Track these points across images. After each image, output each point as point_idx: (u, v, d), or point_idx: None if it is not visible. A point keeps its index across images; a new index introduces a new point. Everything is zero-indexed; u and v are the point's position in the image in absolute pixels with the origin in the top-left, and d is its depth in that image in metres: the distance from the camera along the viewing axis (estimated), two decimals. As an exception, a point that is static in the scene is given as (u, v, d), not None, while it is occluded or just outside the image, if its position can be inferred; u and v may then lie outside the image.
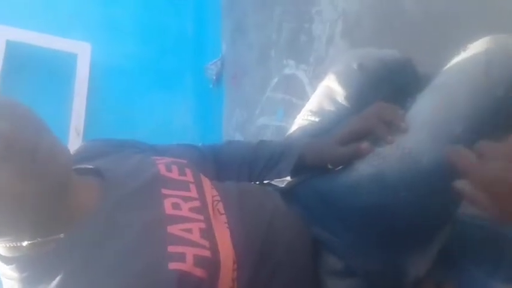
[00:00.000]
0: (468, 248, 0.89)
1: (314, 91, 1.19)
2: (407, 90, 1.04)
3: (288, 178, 0.96)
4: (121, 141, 0.96)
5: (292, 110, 1.98)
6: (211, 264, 0.70)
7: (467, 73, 0.82)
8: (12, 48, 2.38)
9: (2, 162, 0.60)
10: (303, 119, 1.14)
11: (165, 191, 0.77)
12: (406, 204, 0.77)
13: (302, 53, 2.00)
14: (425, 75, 1.02)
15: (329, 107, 1.10)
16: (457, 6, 1.27)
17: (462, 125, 0.76)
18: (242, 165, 0.98)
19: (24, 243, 0.68)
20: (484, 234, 0.93)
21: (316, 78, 1.85)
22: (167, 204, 0.74)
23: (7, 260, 0.70)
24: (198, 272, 0.67)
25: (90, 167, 0.81)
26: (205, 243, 0.71)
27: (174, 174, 0.81)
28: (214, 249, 0.71)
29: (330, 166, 0.90)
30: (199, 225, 0.73)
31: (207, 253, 0.70)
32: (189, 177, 0.82)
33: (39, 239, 0.68)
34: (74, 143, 2.24)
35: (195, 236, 0.71)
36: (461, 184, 0.60)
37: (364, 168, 0.82)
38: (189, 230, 0.72)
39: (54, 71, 2.54)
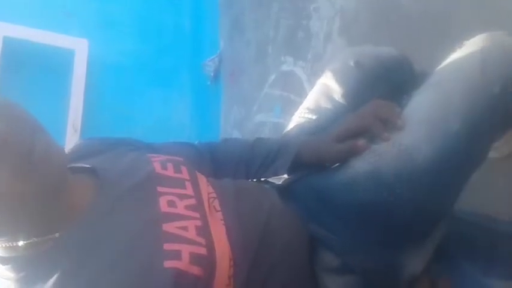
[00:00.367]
0: (463, 245, 0.90)
1: (312, 88, 1.19)
2: (404, 88, 1.05)
3: (285, 176, 0.96)
4: (116, 139, 0.96)
5: (290, 106, 1.98)
6: (208, 262, 0.70)
7: (463, 70, 0.82)
8: (10, 44, 2.37)
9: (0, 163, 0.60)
10: (300, 116, 1.14)
11: (160, 189, 0.76)
12: (402, 202, 0.77)
13: (300, 50, 2.00)
14: (422, 73, 1.02)
15: (326, 104, 1.10)
16: (453, 4, 1.28)
17: (458, 122, 0.76)
18: (239, 163, 0.98)
19: (20, 243, 0.68)
20: (478, 231, 0.94)
21: (314, 74, 1.85)
22: (163, 202, 0.74)
23: (3, 260, 0.70)
24: (194, 270, 0.67)
25: (85, 165, 0.80)
26: (202, 240, 0.71)
27: (170, 172, 0.81)
28: (210, 246, 0.71)
29: (326, 164, 0.90)
30: (195, 222, 0.73)
31: (203, 251, 0.70)
32: (185, 174, 0.82)
33: (34, 239, 0.67)
34: (71, 140, 2.24)
35: (191, 234, 0.71)
36: None
37: (360, 166, 0.82)
38: (185, 228, 0.71)
39: (51, 67, 2.53)
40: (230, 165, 0.99)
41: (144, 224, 0.71)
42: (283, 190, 0.94)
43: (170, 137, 1.11)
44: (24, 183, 0.62)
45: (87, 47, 2.55)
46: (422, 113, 0.81)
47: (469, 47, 0.85)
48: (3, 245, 0.68)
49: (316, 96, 1.13)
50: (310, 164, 0.91)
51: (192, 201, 0.77)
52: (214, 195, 0.82)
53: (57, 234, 0.68)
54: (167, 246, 0.68)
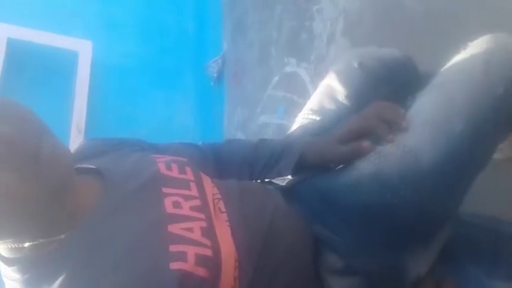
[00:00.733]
0: (467, 246, 0.89)
1: (315, 89, 1.19)
2: (408, 89, 1.04)
3: (289, 177, 0.96)
4: (120, 140, 0.96)
5: (293, 108, 1.98)
6: (213, 263, 0.69)
7: (467, 72, 0.82)
8: (14, 46, 2.38)
9: (4, 165, 0.60)
10: (304, 117, 1.14)
11: (165, 190, 0.76)
12: (406, 203, 0.77)
13: (303, 51, 2.00)
14: (426, 74, 1.02)
15: (330, 105, 1.10)
16: (457, 5, 1.28)
17: (462, 123, 0.76)
18: (243, 164, 0.98)
19: (26, 245, 0.68)
20: (482, 233, 0.94)
21: (318, 76, 1.85)
22: (168, 203, 0.74)
23: (9, 262, 0.70)
24: (200, 272, 0.67)
25: (90, 166, 0.81)
26: (207, 242, 0.71)
27: (174, 173, 0.81)
28: (215, 248, 0.71)
29: (330, 165, 0.90)
30: (200, 224, 0.73)
31: (208, 252, 0.70)
32: (190, 175, 0.82)
33: (40, 240, 0.68)
34: (75, 141, 2.24)
35: (196, 235, 0.71)
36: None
37: (364, 167, 0.82)
38: (190, 229, 0.71)
39: (55, 68, 2.54)
40: (234, 166, 0.99)
41: (150, 225, 0.71)
42: (287, 191, 0.94)
43: (174, 138, 1.11)
44: (30, 185, 0.62)
45: (91, 49, 2.55)
46: (426, 115, 0.81)
47: (472, 49, 0.85)
48: (9, 246, 0.69)
49: (320, 98, 1.13)
50: (314, 165, 0.91)
51: (197, 202, 0.77)
52: (219, 196, 0.82)
53: (62, 236, 0.68)
54: (173, 248, 0.68)
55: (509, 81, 0.78)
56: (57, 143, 0.67)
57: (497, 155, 1.04)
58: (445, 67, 0.88)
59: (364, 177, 0.81)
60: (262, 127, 2.27)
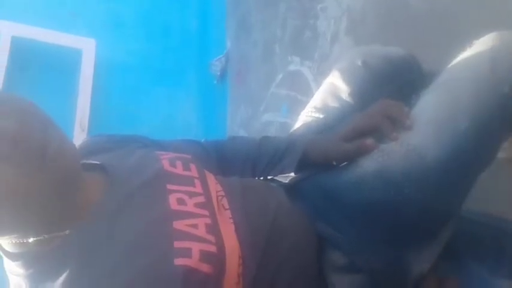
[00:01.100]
0: (471, 244, 0.89)
1: (319, 87, 1.19)
2: (412, 87, 1.04)
3: (292, 174, 0.96)
4: (124, 136, 0.96)
5: (296, 106, 1.98)
6: (217, 260, 0.70)
7: (472, 70, 0.82)
8: (17, 44, 2.39)
9: (10, 161, 0.60)
10: (307, 115, 1.14)
11: (170, 187, 0.76)
12: (410, 201, 0.77)
13: (307, 50, 2.00)
14: (430, 72, 1.02)
15: (333, 103, 1.10)
16: (462, 3, 1.27)
17: (467, 121, 0.76)
18: (246, 161, 0.98)
19: (30, 240, 0.68)
20: (486, 231, 0.93)
21: (321, 74, 1.85)
22: (172, 199, 0.74)
23: (13, 256, 0.70)
24: (204, 268, 0.67)
25: (94, 162, 0.81)
26: (211, 238, 0.71)
27: (179, 170, 0.81)
28: (220, 244, 0.71)
29: (334, 162, 0.90)
30: (204, 220, 0.73)
31: (213, 248, 0.70)
32: (194, 172, 0.82)
33: (45, 236, 0.68)
34: (78, 138, 2.24)
35: (201, 231, 0.71)
36: None
37: (368, 165, 0.82)
38: (195, 226, 0.72)
39: (59, 66, 2.54)
40: (237, 163, 0.99)
41: (154, 222, 0.71)
42: (290, 189, 0.94)
43: (176, 136, 1.11)
44: (35, 180, 0.61)
45: (95, 47, 2.55)
46: (430, 113, 0.81)
47: (478, 46, 0.85)
48: (13, 241, 0.69)
49: (323, 96, 1.13)
50: (317, 163, 0.91)
51: (201, 199, 0.77)
52: (222, 193, 0.82)
53: (67, 232, 0.68)
54: (177, 244, 0.68)
55: None
56: (63, 137, 0.67)
57: (500, 154, 1.04)
58: (450, 65, 0.87)
59: (367, 175, 0.81)
60: (266, 125, 2.28)
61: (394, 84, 1.07)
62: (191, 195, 0.77)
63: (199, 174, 0.82)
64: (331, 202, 0.86)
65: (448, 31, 1.28)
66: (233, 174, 0.96)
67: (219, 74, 2.77)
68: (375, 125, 0.85)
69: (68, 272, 0.64)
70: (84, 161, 0.80)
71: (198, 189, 0.79)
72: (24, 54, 2.44)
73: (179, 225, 0.71)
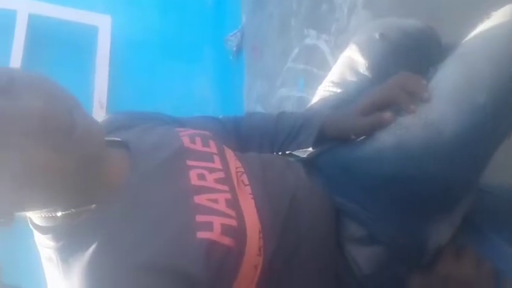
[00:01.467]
0: (489, 216, 0.90)
1: (336, 61, 1.18)
2: (430, 60, 1.03)
3: (310, 149, 0.97)
4: (144, 113, 0.97)
5: (313, 80, 1.97)
6: (238, 233, 0.71)
7: (490, 41, 0.81)
8: (35, 21, 2.40)
9: (39, 140, 0.62)
10: (325, 90, 1.13)
11: (189, 163, 0.78)
12: (428, 174, 0.78)
13: (323, 23, 1.98)
14: (448, 44, 1.01)
15: (351, 77, 1.09)
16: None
17: (485, 94, 0.76)
18: (263, 137, 0.99)
19: (59, 214, 0.70)
20: (504, 203, 0.93)
21: (338, 48, 1.83)
22: (193, 175, 0.76)
23: (43, 230, 0.73)
24: (226, 241, 0.69)
25: (116, 139, 0.82)
26: (231, 212, 0.73)
27: (198, 146, 0.82)
28: (240, 218, 0.73)
29: (352, 137, 0.90)
30: (224, 195, 0.75)
31: (233, 222, 0.72)
32: (213, 148, 0.83)
33: (72, 210, 0.70)
34: (97, 116, 2.25)
35: (221, 206, 0.73)
36: None
37: (386, 139, 0.82)
38: (215, 200, 0.73)
39: (76, 44, 2.56)
40: (255, 139, 1.00)
41: (176, 196, 0.73)
42: (308, 163, 0.95)
43: (193, 112, 1.13)
44: (65, 158, 0.64)
45: (111, 23, 2.56)
46: (448, 86, 0.80)
47: (496, 18, 0.83)
48: (43, 215, 0.71)
49: (341, 70, 1.13)
50: (335, 137, 0.91)
51: (221, 174, 0.78)
52: (242, 169, 0.84)
53: (93, 206, 0.71)
54: (199, 218, 0.70)
55: None
56: (88, 116, 0.69)
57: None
58: (468, 37, 0.86)
59: (385, 149, 0.81)
60: (282, 100, 2.27)
61: (411, 57, 1.06)
62: (211, 170, 0.78)
63: (218, 150, 0.83)
64: (349, 176, 0.87)
65: (467, 2, 1.26)
66: (251, 150, 0.97)
67: (234, 49, 2.76)
68: (392, 98, 0.85)
69: (96, 244, 0.67)
70: (106, 138, 0.82)
71: (217, 165, 0.80)
72: (41, 32, 2.46)
73: (200, 199, 0.72)
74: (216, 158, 0.81)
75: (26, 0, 2.40)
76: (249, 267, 0.72)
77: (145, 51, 2.74)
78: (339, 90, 1.10)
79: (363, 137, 0.88)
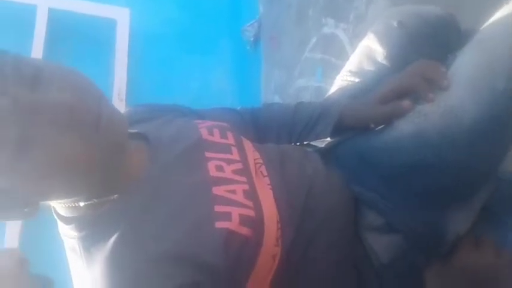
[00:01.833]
0: (508, 204, 0.89)
1: (354, 50, 1.17)
2: (449, 47, 1.02)
3: (328, 139, 0.97)
4: (163, 106, 0.98)
5: (331, 70, 1.96)
6: (256, 224, 0.72)
7: (510, 27, 0.79)
8: (54, 15, 2.43)
9: (67, 131, 0.64)
10: (343, 79, 1.13)
11: (208, 154, 0.79)
12: (447, 163, 0.77)
13: (342, 12, 1.96)
14: (467, 31, 0.99)
15: (369, 67, 1.09)
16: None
17: (505, 80, 0.75)
18: (281, 128, 1.00)
19: (81, 204, 0.72)
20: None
21: (356, 37, 1.81)
22: (211, 166, 0.77)
23: (66, 220, 0.75)
24: (244, 231, 0.70)
25: (136, 131, 0.84)
26: (249, 203, 0.74)
27: (216, 138, 0.83)
28: (258, 209, 0.74)
29: (372, 125, 0.89)
30: (242, 187, 0.76)
31: (251, 213, 0.73)
32: (231, 140, 0.84)
33: (95, 200, 0.72)
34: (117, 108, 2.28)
35: (239, 197, 0.74)
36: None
37: (405, 127, 0.82)
38: (233, 191, 0.74)
39: (95, 37, 2.58)
40: (273, 130, 1.01)
41: (195, 187, 0.74)
42: (326, 153, 0.95)
43: (212, 103, 1.13)
44: (91, 148, 0.66)
45: (129, 16, 2.57)
46: (467, 73, 0.80)
47: (516, 4, 0.82)
48: (66, 205, 0.73)
49: (359, 59, 1.12)
50: (353, 127, 0.91)
51: (239, 165, 0.79)
52: (260, 160, 0.84)
53: (115, 196, 0.72)
54: (218, 208, 0.71)
55: None
56: (114, 108, 0.71)
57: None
58: (487, 23, 0.85)
59: (404, 137, 0.81)
60: (300, 90, 2.26)
61: (430, 44, 1.05)
62: (229, 162, 0.79)
63: (236, 141, 0.84)
64: (368, 165, 0.87)
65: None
66: (269, 141, 0.97)
67: (252, 39, 2.75)
68: (411, 86, 0.84)
69: (117, 234, 0.68)
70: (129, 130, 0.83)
71: (235, 156, 0.81)
72: (61, 26, 2.48)
73: (218, 190, 0.73)
74: (234, 150, 0.82)
75: (46, -5, 2.43)
76: (267, 258, 0.73)
77: (164, 44, 2.75)
78: (357, 80, 1.09)
79: (382, 126, 0.87)
